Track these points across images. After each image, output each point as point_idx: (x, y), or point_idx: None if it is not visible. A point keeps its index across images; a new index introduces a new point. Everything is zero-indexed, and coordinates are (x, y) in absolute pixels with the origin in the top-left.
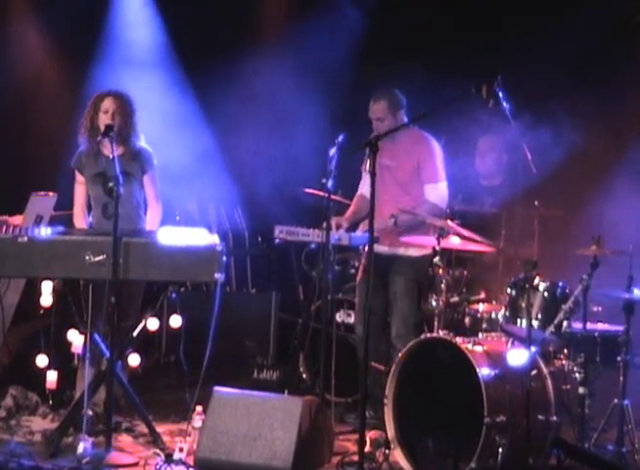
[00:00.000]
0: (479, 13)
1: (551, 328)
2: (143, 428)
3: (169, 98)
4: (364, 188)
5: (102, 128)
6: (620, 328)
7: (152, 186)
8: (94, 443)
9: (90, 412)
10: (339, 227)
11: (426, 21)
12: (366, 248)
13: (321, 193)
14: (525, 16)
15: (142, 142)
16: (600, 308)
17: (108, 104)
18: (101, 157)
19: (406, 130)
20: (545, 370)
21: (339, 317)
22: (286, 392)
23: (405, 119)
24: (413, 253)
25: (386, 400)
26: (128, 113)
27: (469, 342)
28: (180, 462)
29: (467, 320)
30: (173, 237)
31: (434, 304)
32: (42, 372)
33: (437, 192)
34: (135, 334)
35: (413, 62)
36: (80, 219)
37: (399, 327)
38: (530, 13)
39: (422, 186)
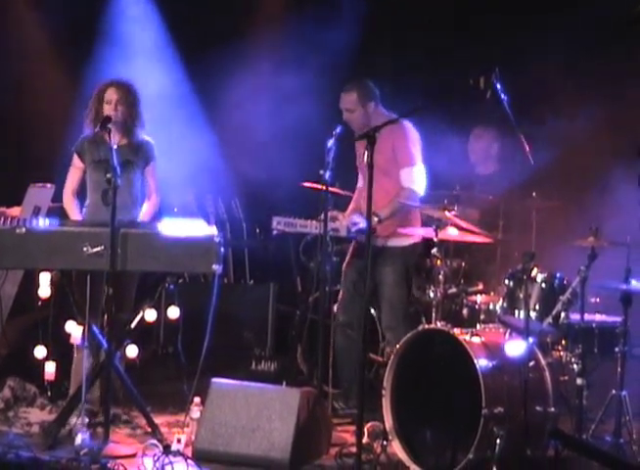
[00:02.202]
0: (479, 9)
1: (549, 319)
2: (141, 419)
3: (167, 89)
4: (361, 182)
5: None
6: (618, 319)
7: (152, 178)
8: (92, 434)
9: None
10: (334, 220)
11: (426, 13)
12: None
13: (319, 185)
14: (526, 13)
15: (145, 134)
16: (598, 300)
17: (110, 94)
18: (105, 144)
19: (381, 117)
20: (543, 361)
21: (336, 309)
22: (284, 383)
23: (380, 109)
24: (400, 243)
25: (383, 391)
26: (132, 102)
27: (467, 333)
28: (178, 453)
29: (465, 311)
30: (171, 228)
31: (431, 295)
32: (40, 363)
33: (413, 176)
34: (133, 325)
35: (412, 53)
36: (70, 204)
37: (390, 319)
38: (531, 10)
39: (398, 171)
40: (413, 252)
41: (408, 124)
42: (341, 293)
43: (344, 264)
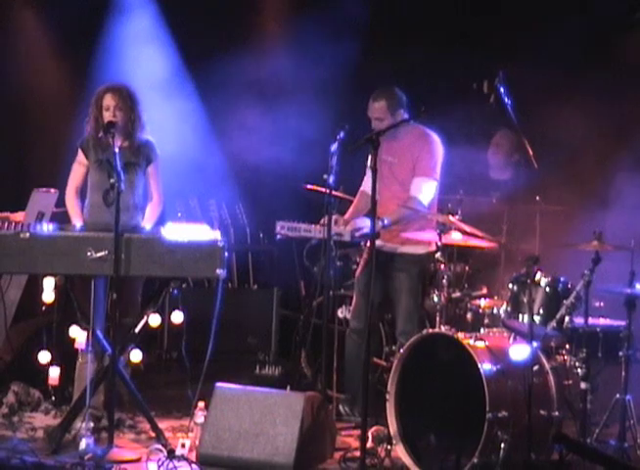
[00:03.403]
0: (481, 8)
1: (553, 323)
2: (145, 424)
3: (171, 94)
4: (366, 185)
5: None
6: (622, 323)
7: (154, 177)
8: (96, 439)
9: (90, 410)
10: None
11: (427, 13)
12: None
13: (322, 189)
14: (527, 11)
15: (147, 134)
16: (602, 304)
17: (108, 101)
18: (109, 146)
19: (410, 127)
20: (547, 365)
21: (340, 313)
22: (288, 388)
23: (406, 117)
24: (417, 250)
25: (387, 396)
26: (130, 106)
27: (470, 337)
28: (182, 458)
29: (469, 316)
30: (175, 233)
31: (435, 299)
32: (44, 368)
33: (423, 187)
34: (137, 330)
35: (415, 55)
36: (72, 203)
37: (404, 324)
38: (532, 8)
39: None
40: (428, 259)
41: (437, 138)
42: (354, 299)
43: (358, 271)
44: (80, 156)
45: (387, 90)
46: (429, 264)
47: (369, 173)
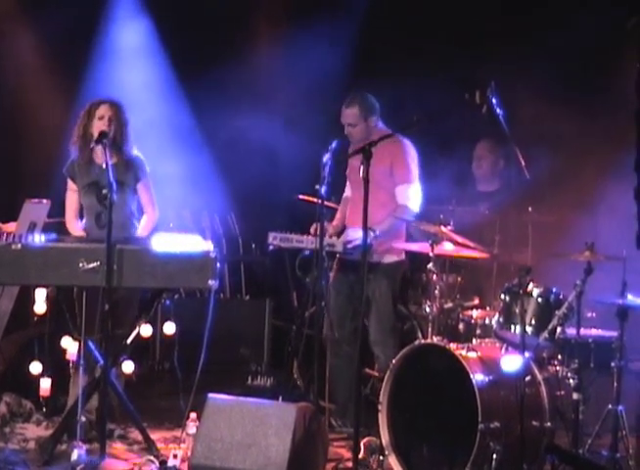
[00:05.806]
0: (477, 15)
1: (545, 334)
2: (137, 435)
3: (163, 106)
4: (347, 192)
5: (95, 135)
6: (614, 334)
7: (146, 193)
8: (88, 450)
9: (83, 418)
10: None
11: (422, 25)
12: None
13: (315, 199)
14: (525, 16)
15: (134, 151)
16: (594, 314)
17: (103, 111)
18: (94, 166)
19: (378, 131)
20: (539, 376)
21: (326, 327)
22: (280, 398)
23: (379, 124)
24: (387, 259)
25: (380, 407)
26: (123, 121)
27: (463, 348)
28: (174, 469)
29: (461, 326)
30: (167, 244)
31: (427, 310)
32: (36, 379)
33: (409, 193)
34: (129, 341)
35: (409, 66)
36: (74, 226)
37: (376, 333)
38: (529, 13)
39: (394, 186)
40: (397, 268)
41: (407, 142)
42: (327, 311)
43: (331, 282)
44: (70, 183)
45: (360, 96)
46: (399, 274)
47: (348, 181)
